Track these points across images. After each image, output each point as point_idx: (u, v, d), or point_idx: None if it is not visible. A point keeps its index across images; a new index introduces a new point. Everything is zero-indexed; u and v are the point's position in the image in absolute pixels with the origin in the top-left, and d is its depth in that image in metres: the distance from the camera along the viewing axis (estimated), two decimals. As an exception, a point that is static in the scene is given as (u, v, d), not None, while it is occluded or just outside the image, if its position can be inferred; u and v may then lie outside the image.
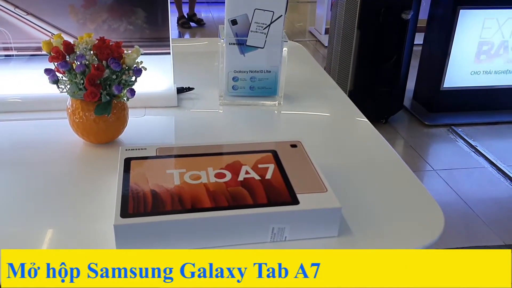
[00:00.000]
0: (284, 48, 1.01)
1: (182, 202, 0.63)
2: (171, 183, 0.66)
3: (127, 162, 0.71)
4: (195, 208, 0.62)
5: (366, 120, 1.01)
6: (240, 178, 0.68)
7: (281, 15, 0.98)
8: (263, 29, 0.99)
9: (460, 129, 2.87)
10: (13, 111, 0.97)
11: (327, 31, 4.04)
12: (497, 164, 2.52)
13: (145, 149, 0.75)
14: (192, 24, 4.86)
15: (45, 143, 0.87)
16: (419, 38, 2.91)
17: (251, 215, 0.62)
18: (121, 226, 0.59)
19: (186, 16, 4.87)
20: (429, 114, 3.01)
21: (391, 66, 2.76)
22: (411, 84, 3.06)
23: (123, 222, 0.59)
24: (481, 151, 2.65)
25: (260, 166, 0.71)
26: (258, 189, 0.66)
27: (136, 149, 0.74)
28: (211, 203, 0.63)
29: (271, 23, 0.99)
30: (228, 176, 0.69)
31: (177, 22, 4.85)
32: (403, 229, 0.69)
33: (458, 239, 1.99)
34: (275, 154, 0.75)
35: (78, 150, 0.85)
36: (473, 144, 2.71)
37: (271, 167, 0.71)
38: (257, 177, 0.68)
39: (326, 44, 4.00)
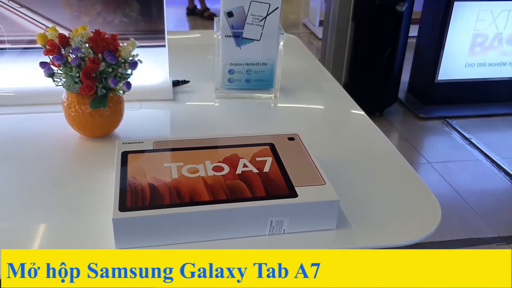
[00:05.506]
0: (281, 41, 1.00)
1: (180, 196, 0.62)
2: (169, 177, 0.66)
3: (124, 155, 0.71)
4: (193, 201, 0.62)
5: (363, 112, 1.01)
6: (238, 171, 0.68)
7: (277, 7, 0.97)
8: (259, 21, 0.98)
9: (454, 122, 2.88)
10: (7, 105, 0.96)
11: (321, 23, 4.03)
12: (491, 157, 2.53)
13: (142, 142, 0.74)
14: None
15: (40, 137, 0.87)
16: (413, 30, 2.91)
17: (250, 208, 0.62)
18: (119, 220, 0.59)
19: (197, 13, 4.85)
20: (424, 106, 3.01)
21: (385, 58, 2.76)
22: (405, 77, 3.06)
23: (121, 216, 0.59)
24: (475, 143, 2.66)
25: (258, 159, 0.71)
26: (256, 182, 0.66)
27: (133, 143, 0.74)
28: (209, 196, 0.63)
29: (267, 15, 0.98)
30: (226, 169, 0.68)
31: (186, 12, 4.85)
32: (401, 221, 0.69)
33: (452, 231, 2.00)
34: (272, 147, 0.74)
35: (74, 144, 0.85)
36: (467, 136, 2.72)
37: (269, 160, 0.71)
38: (255, 170, 0.68)
39: (320, 36, 3.99)
